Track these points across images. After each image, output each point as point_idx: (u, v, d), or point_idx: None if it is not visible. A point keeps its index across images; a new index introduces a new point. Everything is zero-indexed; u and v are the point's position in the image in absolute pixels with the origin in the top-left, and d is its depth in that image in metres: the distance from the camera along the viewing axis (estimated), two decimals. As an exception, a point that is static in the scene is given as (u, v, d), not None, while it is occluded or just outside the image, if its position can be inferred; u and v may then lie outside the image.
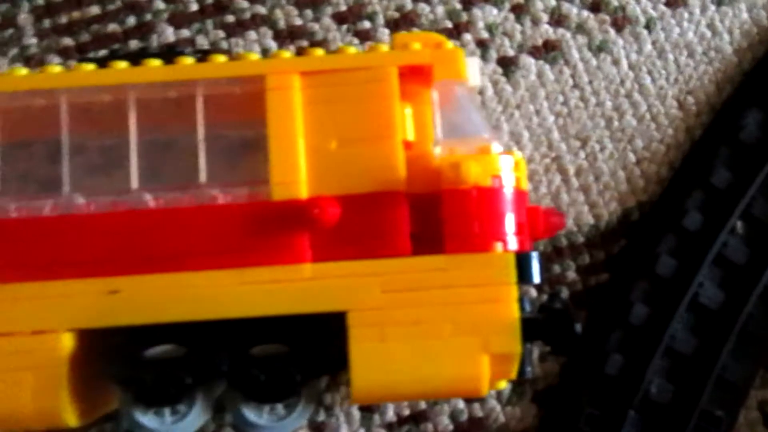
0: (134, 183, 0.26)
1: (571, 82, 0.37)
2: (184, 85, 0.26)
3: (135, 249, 0.25)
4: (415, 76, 0.27)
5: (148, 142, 0.26)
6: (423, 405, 0.34)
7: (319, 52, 0.27)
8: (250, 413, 0.26)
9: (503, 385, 0.29)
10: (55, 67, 0.27)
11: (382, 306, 0.25)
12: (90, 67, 0.26)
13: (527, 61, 0.37)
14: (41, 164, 0.27)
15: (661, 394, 0.33)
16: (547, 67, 0.37)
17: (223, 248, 0.25)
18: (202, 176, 0.26)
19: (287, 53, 0.27)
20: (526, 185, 0.28)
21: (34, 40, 0.36)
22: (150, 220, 0.25)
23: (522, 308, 0.26)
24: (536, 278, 0.26)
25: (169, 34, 0.36)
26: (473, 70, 0.28)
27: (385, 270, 0.25)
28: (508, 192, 0.26)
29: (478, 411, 0.34)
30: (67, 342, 0.25)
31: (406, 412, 0.34)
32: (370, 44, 0.36)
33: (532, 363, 0.29)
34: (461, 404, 0.34)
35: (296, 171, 0.26)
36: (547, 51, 0.37)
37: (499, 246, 0.26)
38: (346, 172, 0.26)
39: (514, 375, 0.26)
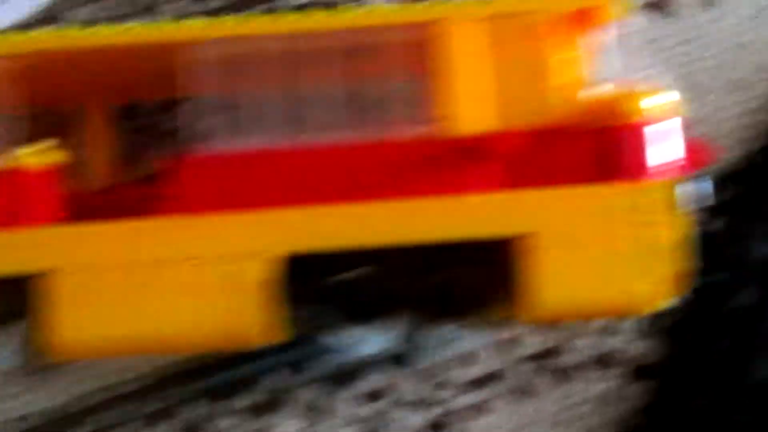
0: (321, 123, 0.28)
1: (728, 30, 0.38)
2: (375, 31, 0.28)
3: (333, 181, 0.27)
4: (586, 17, 0.29)
5: (344, 86, 0.28)
6: (561, 340, 0.35)
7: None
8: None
9: (664, 305, 0.31)
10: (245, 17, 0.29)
11: (568, 229, 0.27)
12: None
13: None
14: (239, 107, 0.28)
15: (787, 325, 0.35)
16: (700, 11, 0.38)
17: (419, 179, 0.27)
18: (389, 114, 0.28)
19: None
20: (683, 119, 0.30)
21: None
22: (348, 155, 0.27)
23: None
24: (706, 201, 0.28)
25: None
26: (628, 10, 0.30)
27: (568, 196, 0.27)
28: (675, 121, 0.28)
29: (612, 344, 0.36)
30: (267, 266, 0.27)
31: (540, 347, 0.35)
32: None
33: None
34: (594, 338, 0.36)
35: (482, 107, 0.28)
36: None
37: (664, 175, 0.28)
38: (526, 109, 0.28)
39: (681, 292, 0.28)
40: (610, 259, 0.27)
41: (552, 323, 0.34)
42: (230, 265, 0.27)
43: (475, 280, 0.28)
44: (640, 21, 0.37)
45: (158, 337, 0.27)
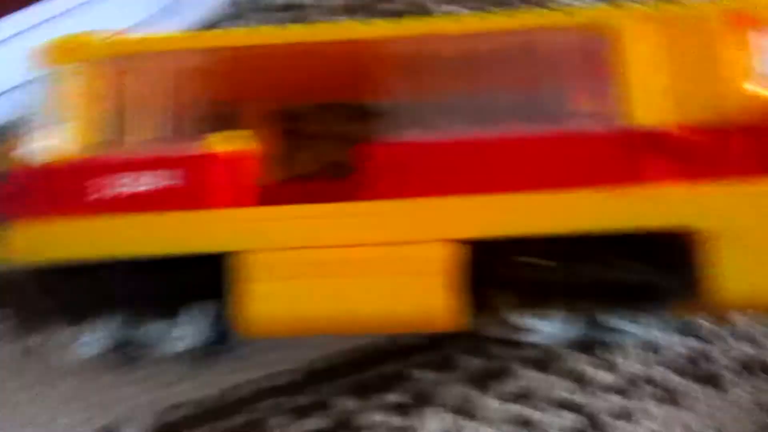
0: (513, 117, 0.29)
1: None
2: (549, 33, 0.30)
3: (508, 172, 0.28)
4: (747, 20, 0.31)
5: (518, 77, 0.30)
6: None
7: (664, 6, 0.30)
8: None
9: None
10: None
11: (745, 224, 0.28)
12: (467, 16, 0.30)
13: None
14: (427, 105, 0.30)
15: None
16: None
17: (593, 171, 0.28)
18: (571, 107, 0.29)
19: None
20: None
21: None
22: (529, 146, 0.29)
23: None
24: None
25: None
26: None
27: (740, 192, 0.28)
28: None
29: (752, 349, 0.35)
30: (453, 251, 0.28)
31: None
32: None
33: None
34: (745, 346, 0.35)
35: (656, 102, 0.29)
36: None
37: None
38: (701, 105, 0.29)
39: None
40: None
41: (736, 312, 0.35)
42: (416, 248, 0.28)
43: (650, 275, 0.29)
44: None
45: (344, 318, 0.28)
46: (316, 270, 0.28)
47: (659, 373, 0.35)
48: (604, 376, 0.35)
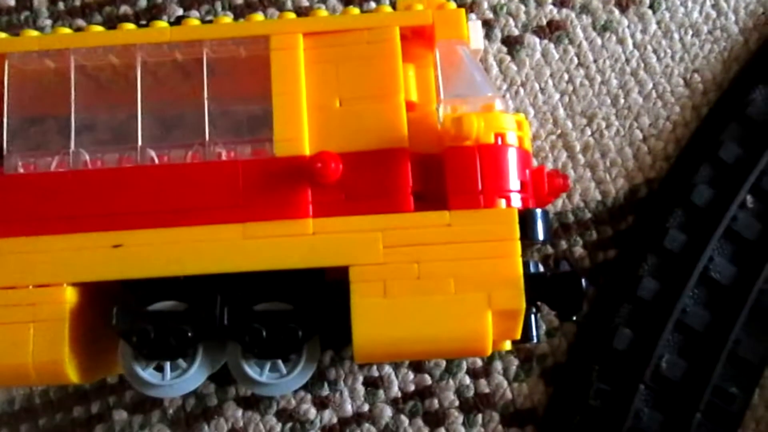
0: (140, 140, 0.26)
1: (576, 60, 0.37)
2: (190, 46, 0.27)
3: (140, 204, 0.25)
4: (418, 36, 0.28)
5: (155, 102, 0.27)
6: (428, 380, 0.33)
7: (323, 13, 0.27)
8: (251, 370, 0.25)
9: (507, 346, 0.29)
10: (64, 29, 0.27)
11: (385, 261, 0.25)
12: (98, 28, 0.27)
13: (532, 40, 0.37)
14: (48, 123, 0.27)
15: (672, 369, 0.32)
16: (551, 46, 0.37)
17: (227, 203, 0.25)
18: (207, 134, 0.26)
19: (291, 14, 0.27)
20: (529, 146, 0.28)
21: (48, 22, 0.37)
22: (155, 176, 0.26)
23: (528, 269, 0.26)
24: (541, 235, 0.26)
25: (179, 14, 0.37)
26: (476, 33, 0.29)
27: (387, 225, 0.25)
28: (511, 150, 0.26)
29: (484, 387, 0.33)
30: (70, 296, 0.25)
31: (411, 388, 0.33)
32: (376, 7, 0.36)
33: (538, 328, 0.29)
34: (467, 380, 0.33)
35: (299, 128, 0.26)
36: (552, 31, 0.37)
37: (502, 202, 0.26)
38: (350, 130, 0.26)
39: (518, 334, 0.26)
40: (429, 294, 0.24)
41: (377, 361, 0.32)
42: (22, 292, 0.25)
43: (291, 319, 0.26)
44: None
45: None
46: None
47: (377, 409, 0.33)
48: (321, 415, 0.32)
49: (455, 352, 0.26)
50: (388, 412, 0.33)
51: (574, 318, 0.33)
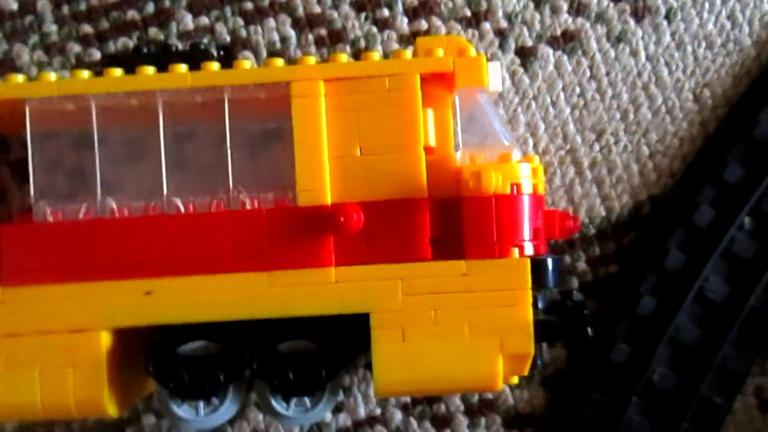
0: (165, 188, 0.27)
1: (588, 73, 0.37)
2: (211, 91, 0.27)
3: (168, 252, 0.26)
4: (438, 80, 0.28)
5: (178, 148, 0.27)
6: (436, 388, 0.35)
7: (343, 58, 0.27)
8: (278, 405, 0.27)
9: (515, 380, 0.31)
10: (83, 72, 0.27)
11: (404, 308, 0.26)
12: (118, 72, 0.27)
13: (545, 51, 0.37)
14: (75, 170, 0.27)
15: (663, 381, 0.35)
16: (565, 57, 0.37)
17: (252, 252, 0.26)
18: (231, 182, 0.27)
19: (312, 59, 0.27)
20: (543, 190, 0.29)
21: (53, 27, 0.36)
22: (181, 225, 0.26)
23: (536, 306, 0.28)
24: (551, 283, 0.27)
25: (188, 21, 0.36)
26: (495, 75, 0.29)
27: (406, 274, 0.26)
28: (526, 199, 0.27)
29: (488, 393, 0.36)
30: (105, 340, 0.26)
31: (420, 394, 0.35)
32: (393, 47, 0.36)
33: (542, 356, 0.31)
34: (473, 388, 0.35)
35: (322, 178, 0.27)
36: (566, 41, 0.37)
37: (516, 252, 0.27)
38: (370, 179, 0.27)
39: (526, 371, 0.28)
40: (445, 340, 0.26)
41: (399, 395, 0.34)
42: (60, 337, 0.26)
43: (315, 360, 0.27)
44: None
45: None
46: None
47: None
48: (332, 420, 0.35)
49: (467, 390, 0.28)
50: (398, 415, 0.36)
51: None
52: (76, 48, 0.36)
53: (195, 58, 0.28)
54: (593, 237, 0.36)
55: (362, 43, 0.37)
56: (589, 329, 0.27)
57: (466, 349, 0.26)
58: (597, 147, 0.37)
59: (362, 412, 0.35)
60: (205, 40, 0.36)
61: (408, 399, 0.36)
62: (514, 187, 0.27)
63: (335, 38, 0.37)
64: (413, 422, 0.36)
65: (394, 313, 0.26)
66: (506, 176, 0.27)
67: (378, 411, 0.36)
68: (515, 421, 0.36)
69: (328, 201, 0.27)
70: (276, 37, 0.37)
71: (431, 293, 0.26)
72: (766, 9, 0.37)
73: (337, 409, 0.35)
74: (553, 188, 0.36)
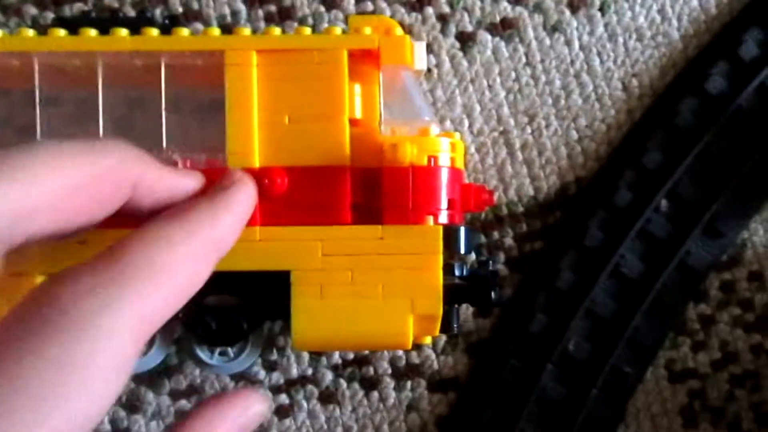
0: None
1: (524, 59, 0.39)
2: (149, 56, 0.28)
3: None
4: (366, 57, 0.30)
5: (118, 110, 0.29)
6: (366, 351, 0.38)
7: (276, 31, 0.29)
8: (202, 354, 0.29)
9: (428, 340, 0.33)
10: (27, 30, 0.29)
11: (323, 267, 0.28)
12: (62, 32, 0.28)
13: (485, 37, 0.39)
14: (22, 129, 0.29)
15: (578, 351, 0.37)
16: (502, 44, 0.39)
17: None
18: (164, 143, 0.29)
19: (246, 30, 0.29)
20: (461, 164, 0.30)
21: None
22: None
23: (452, 272, 0.30)
24: (462, 249, 0.29)
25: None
26: (420, 55, 0.30)
27: (326, 236, 0.28)
28: (443, 171, 0.29)
29: (414, 358, 0.38)
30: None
31: (351, 356, 0.38)
32: (326, 28, 0.37)
33: (458, 321, 0.33)
34: (400, 352, 0.38)
35: (250, 142, 0.28)
36: (504, 28, 0.39)
37: (430, 219, 0.29)
38: (297, 146, 0.29)
39: (436, 332, 0.30)
40: (360, 298, 0.28)
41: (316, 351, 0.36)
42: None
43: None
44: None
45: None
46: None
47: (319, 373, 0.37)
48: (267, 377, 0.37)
49: (380, 347, 0.30)
50: (329, 376, 0.38)
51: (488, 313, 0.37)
52: (32, 11, 0.38)
53: (140, 25, 0.29)
54: (521, 215, 0.39)
55: (310, 21, 0.38)
56: (493, 293, 0.29)
57: (379, 308, 0.28)
58: (529, 130, 0.39)
59: (295, 372, 0.37)
60: (158, 11, 0.38)
61: (339, 361, 0.38)
62: (432, 159, 0.29)
63: (284, 15, 0.38)
64: (343, 383, 0.38)
65: (313, 272, 0.28)
66: (423, 149, 0.29)
67: (310, 371, 0.38)
68: (439, 385, 0.38)
69: (256, 164, 0.28)
70: (227, 11, 0.38)
71: (349, 255, 0.28)
72: (694, 5, 0.40)
73: (271, 368, 0.37)
74: (485, 167, 0.39)
